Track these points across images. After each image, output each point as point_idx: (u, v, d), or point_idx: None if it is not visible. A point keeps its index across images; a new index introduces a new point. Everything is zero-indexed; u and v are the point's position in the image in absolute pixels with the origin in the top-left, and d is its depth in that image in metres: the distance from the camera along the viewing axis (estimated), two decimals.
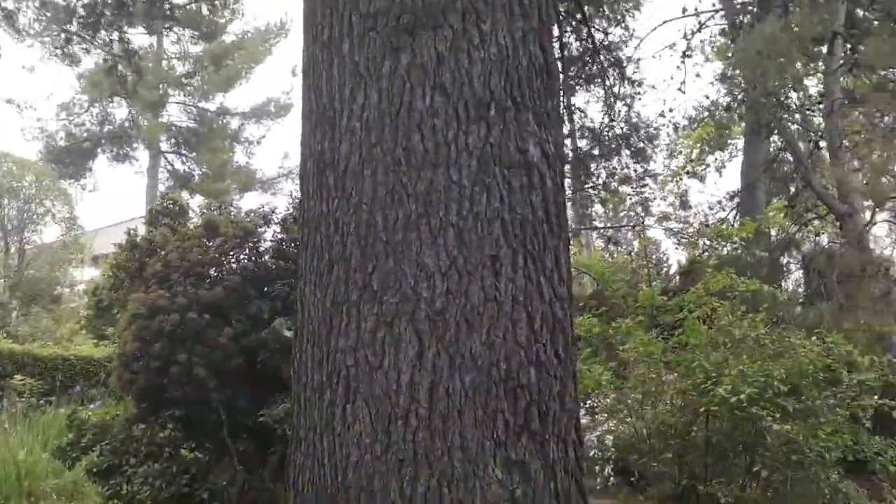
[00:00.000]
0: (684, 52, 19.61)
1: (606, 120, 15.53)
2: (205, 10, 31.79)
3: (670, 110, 22.68)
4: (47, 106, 50.14)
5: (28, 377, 13.87)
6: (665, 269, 19.17)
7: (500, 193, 3.09)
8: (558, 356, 3.14)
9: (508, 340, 3.02)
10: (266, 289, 7.01)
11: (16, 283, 26.94)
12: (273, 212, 7.55)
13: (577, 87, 15.29)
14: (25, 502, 10.50)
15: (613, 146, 15.67)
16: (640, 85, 15.94)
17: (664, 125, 18.94)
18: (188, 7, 31.83)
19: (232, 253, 7.20)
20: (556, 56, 12.08)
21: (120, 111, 35.11)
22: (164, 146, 35.51)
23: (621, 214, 22.97)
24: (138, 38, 33.15)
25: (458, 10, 3.15)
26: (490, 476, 2.92)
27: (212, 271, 6.97)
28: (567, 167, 15.25)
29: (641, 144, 16.36)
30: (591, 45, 13.17)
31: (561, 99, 13.95)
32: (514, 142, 3.14)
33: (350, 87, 3.21)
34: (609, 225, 22.83)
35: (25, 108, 33.95)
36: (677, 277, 15.61)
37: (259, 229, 7.44)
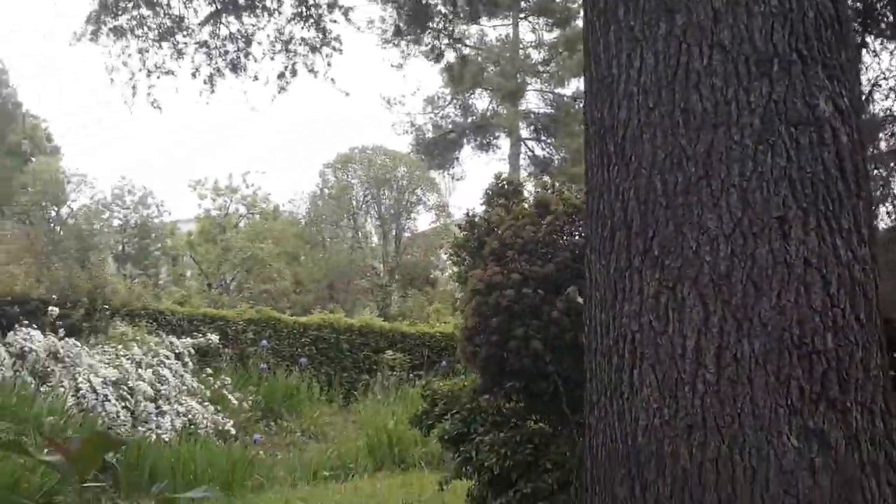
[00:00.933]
0: None
1: None
2: None
3: None
4: (414, 101, 54.25)
5: (398, 353, 15.17)
6: None
7: (786, 152, 2.95)
8: (859, 321, 2.95)
9: (801, 304, 2.89)
10: None
11: (394, 267, 29.36)
12: None
13: None
14: (397, 468, 11.50)
15: None
16: None
17: None
18: None
19: (563, 230, 7.36)
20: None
21: (481, 102, 36.85)
22: (523, 133, 36.71)
23: None
24: (497, 29, 34.81)
25: None
26: (785, 444, 2.82)
27: (544, 248, 7.15)
28: None
29: None
30: None
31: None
32: (800, 97, 2.98)
33: (626, 52, 3.21)
34: None
35: (395, 104, 36.78)
36: None
37: None
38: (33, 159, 39.58)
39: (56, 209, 37.90)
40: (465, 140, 37.10)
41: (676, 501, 2.90)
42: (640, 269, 3.06)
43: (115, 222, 51.49)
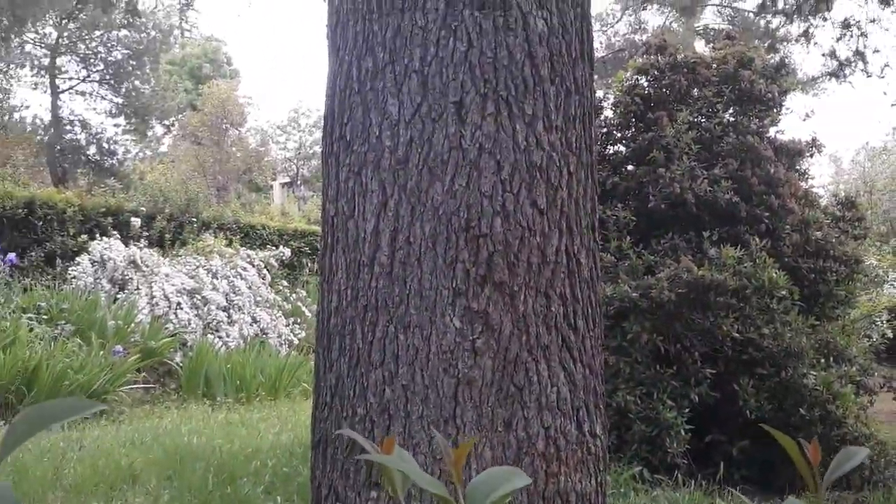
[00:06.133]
0: None
1: None
2: None
3: None
4: None
5: None
6: None
7: (467, 36, 2.93)
8: (536, 206, 2.93)
9: (471, 189, 2.90)
10: None
11: None
12: None
13: None
14: None
15: None
16: None
17: None
18: None
19: None
20: None
21: (654, 18, 35.78)
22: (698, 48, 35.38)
23: None
24: None
25: None
26: (447, 325, 2.86)
27: None
28: None
29: None
30: None
31: None
32: None
33: None
34: None
35: None
36: None
37: None
38: (215, 82, 41.65)
39: (236, 129, 39.80)
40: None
41: (352, 380, 3.01)
42: (337, 155, 3.14)
43: (291, 145, 53.61)
